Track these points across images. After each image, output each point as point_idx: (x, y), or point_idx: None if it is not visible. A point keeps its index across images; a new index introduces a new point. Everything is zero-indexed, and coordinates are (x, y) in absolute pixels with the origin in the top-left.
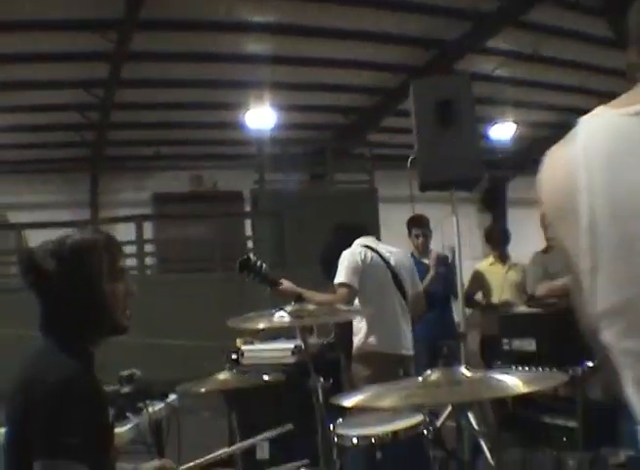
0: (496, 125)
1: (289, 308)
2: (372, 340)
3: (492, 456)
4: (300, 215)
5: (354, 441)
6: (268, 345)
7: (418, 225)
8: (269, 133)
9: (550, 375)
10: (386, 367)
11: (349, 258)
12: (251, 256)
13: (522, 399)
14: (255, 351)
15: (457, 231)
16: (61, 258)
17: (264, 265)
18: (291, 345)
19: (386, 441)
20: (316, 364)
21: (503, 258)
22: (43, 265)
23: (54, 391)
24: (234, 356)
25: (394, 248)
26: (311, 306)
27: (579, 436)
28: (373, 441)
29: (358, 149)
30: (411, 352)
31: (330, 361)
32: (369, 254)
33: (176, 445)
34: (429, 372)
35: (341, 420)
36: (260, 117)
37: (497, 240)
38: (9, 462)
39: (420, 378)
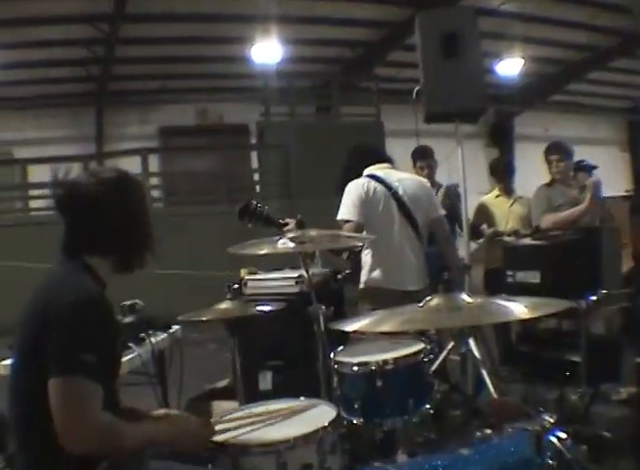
0: (504, 61)
1: (290, 235)
2: (375, 275)
3: (495, 391)
4: (306, 148)
5: (354, 368)
6: (272, 274)
7: (422, 156)
8: (275, 67)
9: (551, 302)
10: (389, 303)
11: (352, 193)
12: (251, 201)
13: (525, 334)
14: (259, 280)
15: (462, 164)
16: (109, 186)
17: (266, 208)
18: (295, 274)
19: (386, 368)
20: (320, 294)
21: (508, 191)
22: (89, 192)
23: (73, 308)
24: (235, 286)
25: (408, 175)
26: (313, 233)
27: (582, 370)
28: (373, 368)
29: (365, 83)
30: (419, 287)
31: (334, 291)
32: (372, 185)
33: (179, 375)
34: (429, 298)
35: (341, 348)
36: (267, 51)
37: (502, 173)
38: (15, 393)
39: (420, 304)
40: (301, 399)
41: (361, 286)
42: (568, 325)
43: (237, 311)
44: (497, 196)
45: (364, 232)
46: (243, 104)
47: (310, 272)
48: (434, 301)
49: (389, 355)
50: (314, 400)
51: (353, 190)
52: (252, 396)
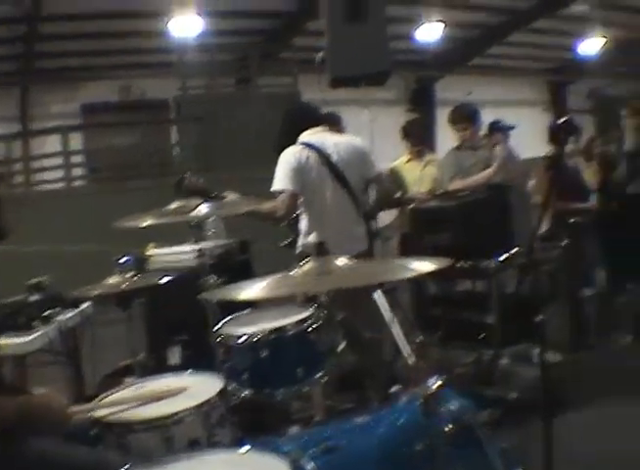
0: (423, 26)
1: (173, 206)
2: (308, 240)
3: (411, 356)
4: (224, 120)
5: (239, 340)
6: (174, 249)
7: (332, 122)
8: (195, 40)
9: (437, 260)
10: None
11: (285, 163)
12: (185, 175)
13: (440, 297)
14: (161, 255)
15: (370, 127)
16: None
17: (201, 181)
18: (198, 247)
19: (271, 338)
20: (222, 265)
21: (420, 153)
22: None
23: None
24: (123, 260)
25: (344, 137)
26: (196, 201)
27: (495, 332)
28: (256, 338)
29: (284, 53)
30: (355, 251)
31: (239, 262)
32: (305, 152)
33: (92, 353)
34: (302, 263)
35: (228, 319)
36: (185, 25)
37: (415, 134)
38: None
39: (292, 270)
40: (188, 372)
41: (297, 251)
42: (481, 286)
43: (123, 285)
44: (408, 160)
45: (300, 200)
46: (164, 79)
47: (212, 244)
48: (306, 266)
49: (274, 324)
50: (202, 374)
51: (286, 159)
52: (163, 371)
